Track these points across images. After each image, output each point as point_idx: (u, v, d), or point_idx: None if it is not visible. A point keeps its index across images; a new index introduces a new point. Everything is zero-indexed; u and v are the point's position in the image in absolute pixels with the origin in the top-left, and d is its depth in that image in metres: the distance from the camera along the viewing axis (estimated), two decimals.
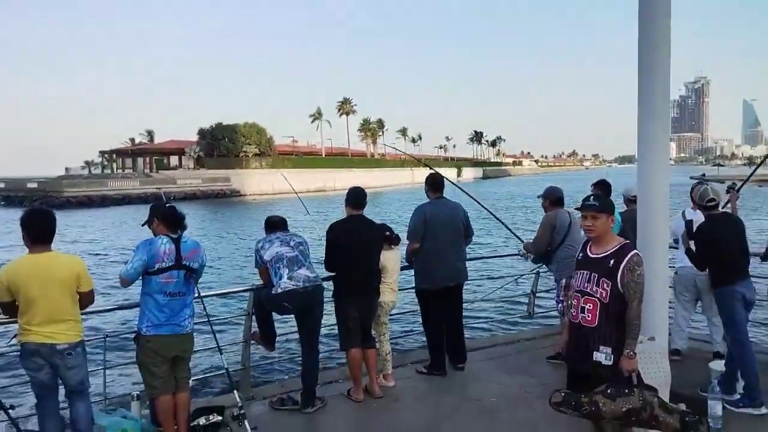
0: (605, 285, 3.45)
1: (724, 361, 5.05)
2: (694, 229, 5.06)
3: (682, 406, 4.57)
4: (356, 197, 5.32)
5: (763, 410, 4.65)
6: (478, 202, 6.65)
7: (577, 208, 4.05)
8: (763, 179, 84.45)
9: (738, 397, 4.80)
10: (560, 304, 5.74)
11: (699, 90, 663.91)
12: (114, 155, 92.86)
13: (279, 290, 4.86)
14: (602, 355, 3.45)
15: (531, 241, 5.96)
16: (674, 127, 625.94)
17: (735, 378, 4.86)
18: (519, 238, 6.11)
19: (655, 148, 4.34)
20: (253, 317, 5.31)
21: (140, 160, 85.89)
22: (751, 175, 6.96)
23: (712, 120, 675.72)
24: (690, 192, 5.34)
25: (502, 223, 6.42)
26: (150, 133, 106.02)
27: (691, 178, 6.82)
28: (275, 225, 5.25)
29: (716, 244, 4.85)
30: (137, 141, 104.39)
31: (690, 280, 5.83)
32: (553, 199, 5.84)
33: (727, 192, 5.62)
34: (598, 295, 3.47)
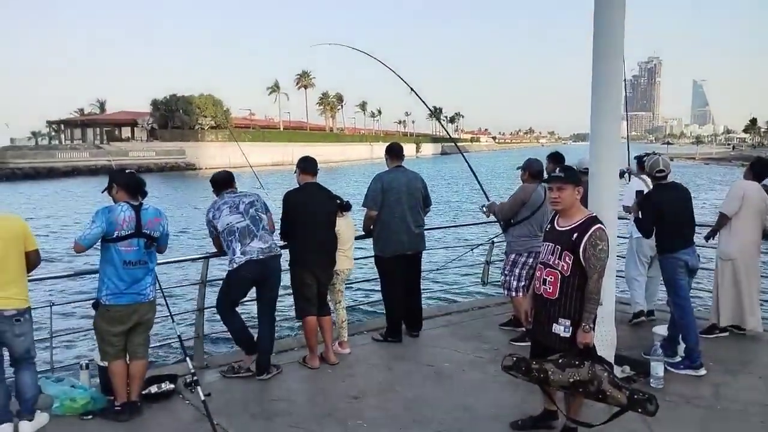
0: (567, 258, 3.45)
1: (666, 326, 5.28)
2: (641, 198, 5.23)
3: (627, 368, 4.78)
4: (310, 163, 5.29)
5: (702, 371, 4.86)
6: (467, 161, 6.62)
7: (544, 181, 4.08)
8: (710, 158, 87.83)
9: (679, 359, 5.00)
10: (505, 277, 5.81)
11: (651, 70, 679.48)
12: (62, 126, 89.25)
13: (235, 265, 4.79)
14: (561, 327, 3.48)
15: (499, 203, 5.92)
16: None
17: (676, 341, 5.07)
18: (487, 197, 6.13)
19: (607, 123, 4.46)
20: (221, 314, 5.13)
21: (90, 131, 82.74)
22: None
23: (663, 99, 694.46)
24: (637, 161, 5.50)
25: (478, 182, 6.45)
26: (101, 104, 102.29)
27: (635, 157, 7.19)
28: (222, 184, 5.05)
29: (662, 212, 5.00)
30: (87, 111, 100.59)
31: (649, 245, 6.05)
32: (532, 171, 5.69)
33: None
34: (559, 268, 3.48)
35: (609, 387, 3.30)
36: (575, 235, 3.46)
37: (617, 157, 4.51)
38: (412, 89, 6.64)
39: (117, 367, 4.21)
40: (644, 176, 6.19)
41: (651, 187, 5.71)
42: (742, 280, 5.58)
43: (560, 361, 3.41)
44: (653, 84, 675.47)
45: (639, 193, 5.33)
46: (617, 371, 4.53)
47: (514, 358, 3.51)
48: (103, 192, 4.38)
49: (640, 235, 6.05)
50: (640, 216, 5.18)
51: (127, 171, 4.38)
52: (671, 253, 5.01)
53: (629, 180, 6.34)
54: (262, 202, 5.05)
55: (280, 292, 5.19)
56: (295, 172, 5.33)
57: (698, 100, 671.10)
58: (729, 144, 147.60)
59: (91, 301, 4.33)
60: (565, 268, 3.47)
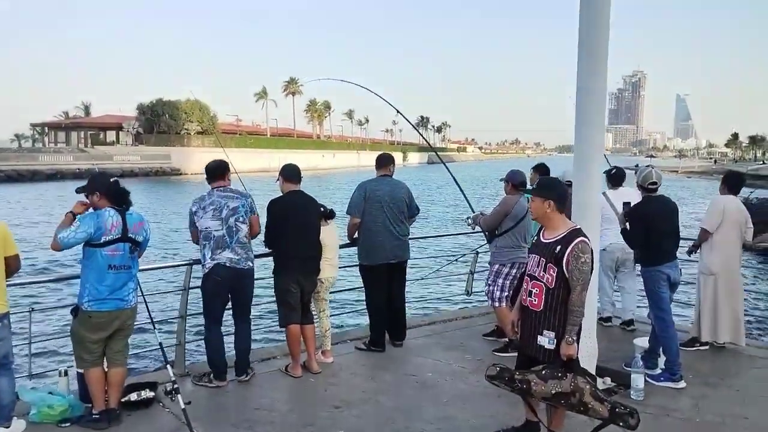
0: (551, 271, 3.48)
1: (647, 338, 5.32)
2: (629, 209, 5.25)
3: (608, 380, 4.81)
4: (293, 171, 5.28)
5: (682, 384, 4.90)
6: (449, 171, 6.71)
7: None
8: (692, 171, 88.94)
9: (659, 371, 5.04)
10: (488, 287, 5.85)
11: (636, 83, 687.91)
12: (46, 129, 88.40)
13: (206, 270, 4.82)
14: (545, 339, 3.50)
15: (484, 214, 5.96)
16: (611, 119, 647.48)
17: (657, 354, 5.12)
18: (472, 209, 6.20)
19: (590, 135, 4.52)
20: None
21: (75, 135, 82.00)
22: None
23: (647, 113, 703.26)
24: (607, 174, 5.84)
25: (462, 194, 6.55)
26: (86, 107, 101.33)
27: (604, 172, 7.19)
28: (214, 173, 4.97)
29: (649, 225, 5.05)
30: (72, 114, 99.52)
31: (615, 254, 6.37)
32: (515, 182, 5.70)
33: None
34: (544, 280, 3.51)
35: (591, 399, 3.31)
36: (558, 247, 3.49)
37: (600, 170, 4.56)
38: (398, 111, 6.94)
39: (95, 374, 4.14)
40: (611, 191, 6.31)
41: (612, 200, 5.88)
42: (722, 296, 5.64)
43: (543, 372, 3.42)
44: (637, 98, 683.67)
45: (626, 204, 5.36)
46: (598, 383, 4.56)
47: (498, 368, 3.53)
48: (78, 192, 4.23)
49: (604, 248, 6.21)
50: (628, 227, 5.23)
51: (111, 179, 4.27)
52: (654, 266, 5.06)
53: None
54: (248, 208, 4.97)
55: (264, 300, 5.17)
56: (277, 180, 5.31)
57: (681, 114, 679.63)
58: (711, 158, 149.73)
59: (71, 307, 4.25)
60: (550, 280, 3.50)
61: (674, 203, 5.34)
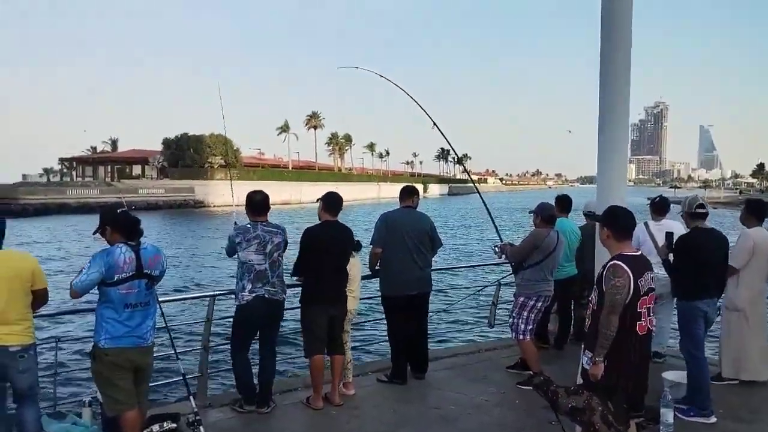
0: (596, 293, 3.61)
1: (676, 372, 5.19)
2: (675, 240, 5.07)
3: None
4: (335, 202, 5.29)
5: (713, 419, 4.76)
6: (481, 197, 6.90)
7: (597, 219, 4.12)
8: (717, 202, 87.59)
9: (688, 406, 4.90)
10: (513, 320, 5.77)
11: (658, 114, 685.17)
12: (74, 163, 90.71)
13: (243, 302, 4.84)
14: (585, 359, 3.63)
15: (512, 244, 5.93)
16: (633, 150, 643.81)
17: (699, 389, 4.90)
18: (500, 238, 6.17)
19: (613, 165, 4.52)
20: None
21: (101, 169, 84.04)
22: None
23: (670, 144, 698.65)
24: (651, 203, 5.85)
25: (492, 222, 6.57)
26: (113, 142, 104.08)
27: (648, 203, 7.15)
28: (257, 208, 4.98)
29: (696, 258, 4.89)
30: (99, 149, 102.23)
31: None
32: (545, 216, 5.69)
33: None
34: (593, 303, 3.64)
35: (599, 421, 3.33)
36: (600, 271, 3.62)
37: (623, 200, 4.53)
38: (435, 124, 6.57)
39: (131, 418, 3.93)
40: (652, 222, 6.18)
41: (654, 232, 5.72)
42: (747, 332, 5.44)
43: (572, 388, 3.53)
44: (660, 128, 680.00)
45: (669, 235, 5.23)
46: None
47: (542, 378, 3.65)
48: (94, 234, 4.11)
49: None
50: (671, 260, 5.09)
51: (119, 211, 4.07)
52: (692, 301, 4.92)
53: None
54: (285, 241, 5.03)
55: (288, 331, 5.17)
56: (317, 205, 5.32)
57: (705, 144, 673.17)
58: (736, 189, 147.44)
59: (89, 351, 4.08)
60: (595, 302, 3.62)
61: (725, 238, 5.12)
